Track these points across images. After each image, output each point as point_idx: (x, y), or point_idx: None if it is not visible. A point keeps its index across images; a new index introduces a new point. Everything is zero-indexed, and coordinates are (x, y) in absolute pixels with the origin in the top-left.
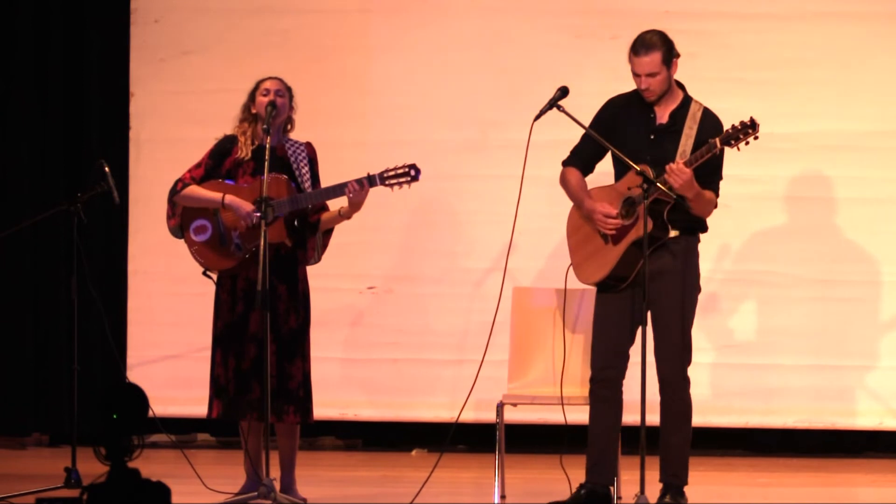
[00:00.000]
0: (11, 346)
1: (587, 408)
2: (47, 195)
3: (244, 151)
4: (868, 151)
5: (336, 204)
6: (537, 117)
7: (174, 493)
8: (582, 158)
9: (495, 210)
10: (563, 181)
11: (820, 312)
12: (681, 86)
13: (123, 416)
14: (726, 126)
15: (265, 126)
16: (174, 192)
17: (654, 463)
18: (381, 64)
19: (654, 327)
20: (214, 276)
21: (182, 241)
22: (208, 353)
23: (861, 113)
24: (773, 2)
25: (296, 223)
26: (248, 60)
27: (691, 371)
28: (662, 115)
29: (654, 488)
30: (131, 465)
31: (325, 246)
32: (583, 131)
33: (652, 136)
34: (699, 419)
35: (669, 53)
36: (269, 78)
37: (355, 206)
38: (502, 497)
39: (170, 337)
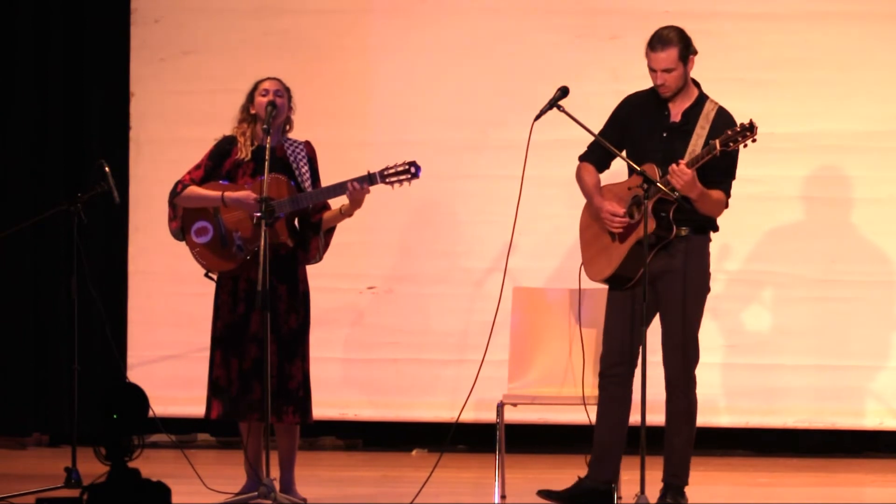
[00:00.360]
0: (11, 346)
1: (583, 407)
2: (47, 195)
3: (244, 152)
4: (868, 151)
5: (337, 202)
6: (537, 117)
7: (174, 493)
8: (597, 154)
9: (495, 210)
10: (578, 177)
11: (821, 312)
12: (697, 84)
13: (123, 416)
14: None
15: (265, 126)
16: (174, 194)
17: (657, 463)
18: (382, 64)
19: (662, 326)
20: (216, 278)
21: (183, 242)
22: (208, 354)
23: (861, 113)
24: (773, 2)
25: (296, 223)
26: (248, 60)
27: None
28: (676, 113)
29: (655, 488)
30: (131, 465)
31: (327, 245)
32: (598, 127)
33: (664, 134)
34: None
35: (686, 50)
36: (268, 78)
37: (356, 204)
38: (502, 497)
39: (170, 337)
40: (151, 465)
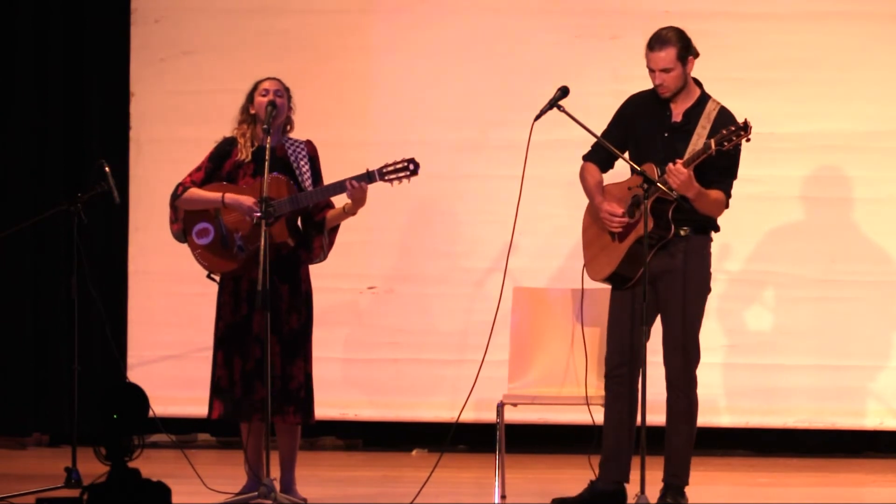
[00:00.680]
0: (11, 346)
1: (585, 408)
2: (47, 195)
3: (244, 153)
4: (868, 151)
5: (340, 201)
6: (537, 117)
7: (174, 494)
8: (601, 154)
9: (495, 210)
10: (581, 176)
11: (821, 312)
12: (699, 84)
13: (123, 416)
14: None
15: (265, 126)
16: (175, 196)
17: (657, 463)
18: (382, 64)
19: (662, 326)
20: (218, 279)
21: (184, 243)
22: (209, 353)
23: (861, 113)
24: (773, 2)
25: (299, 223)
26: (248, 60)
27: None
28: (678, 113)
29: (655, 488)
30: (131, 465)
31: (331, 244)
32: (598, 127)
33: (666, 134)
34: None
35: (685, 50)
36: (268, 78)
37: (358, 202)
38: (502, 497)
39: (170, 337)
40: (151, 465)
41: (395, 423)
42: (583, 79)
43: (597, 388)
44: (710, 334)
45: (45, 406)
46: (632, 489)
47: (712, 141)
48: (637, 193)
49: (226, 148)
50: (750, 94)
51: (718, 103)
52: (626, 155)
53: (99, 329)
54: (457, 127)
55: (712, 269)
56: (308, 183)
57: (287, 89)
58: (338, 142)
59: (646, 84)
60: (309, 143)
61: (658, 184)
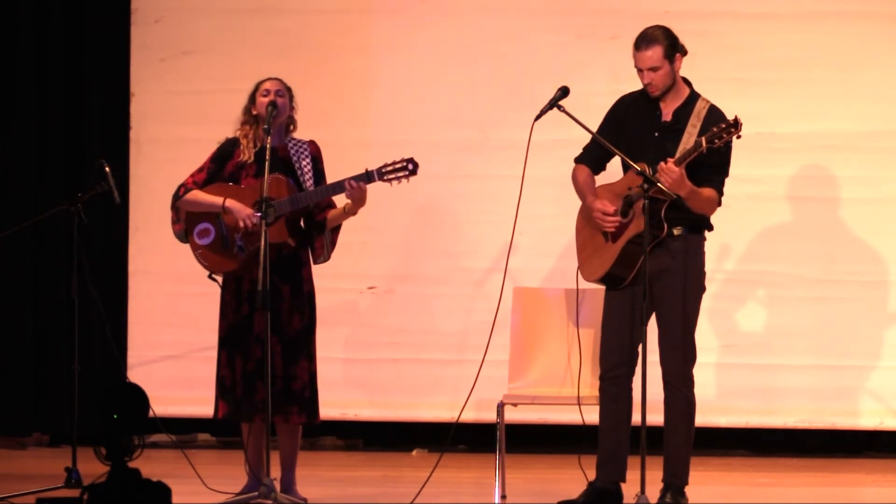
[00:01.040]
0: (11, 346)
1: (586, 407)
2: (47, 195)
3: (246, 154)
4: (868, 151)
5: (341, 201)
6: (538, 117)
7: (175, 494)
8: (592, 156)
9: (495, 210)
10: (573, 178)
11: (821, 312)
12: (688, 83)
13: (124, 416)
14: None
15: (266, 126)
16: (177, 197)
17: (657, 463)
18: (382, 64)
19: (658, 326)
20: (220, 280)
21: (186, 244)
22: (209, 353)
23: (861, 113)
24: (773, 2)
25: (302, 224)
26: (248, 60)
27: (694, 370)
28: (668, 112)
29: (655, 488)
30: (132, 465)
31: (333, 243)
32: (575, 131)
33: (656, 134)
34: (699, 419)
35: (672, 48)
36: (269, 79)
37: (357, 202)
38: (503, 497)
39: (170, 337)
40: (152, 465)
41: (395, 423)
42: (583, 79)
43: (591, 387)
44: (711, 334)
45: (45, 406)
46: (630, 489)
47: (703, 139)
48: (629, 193)
49: (228, 149)
50: (750, 94)
51: (708, 102)
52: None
53: (99, 329)
54: (457, 127)
55: (713, 269)
56: (309, 183)
57: (289, 89)
58: (338, 142)
59: None
60: (312, 144)
61: (659, 184)
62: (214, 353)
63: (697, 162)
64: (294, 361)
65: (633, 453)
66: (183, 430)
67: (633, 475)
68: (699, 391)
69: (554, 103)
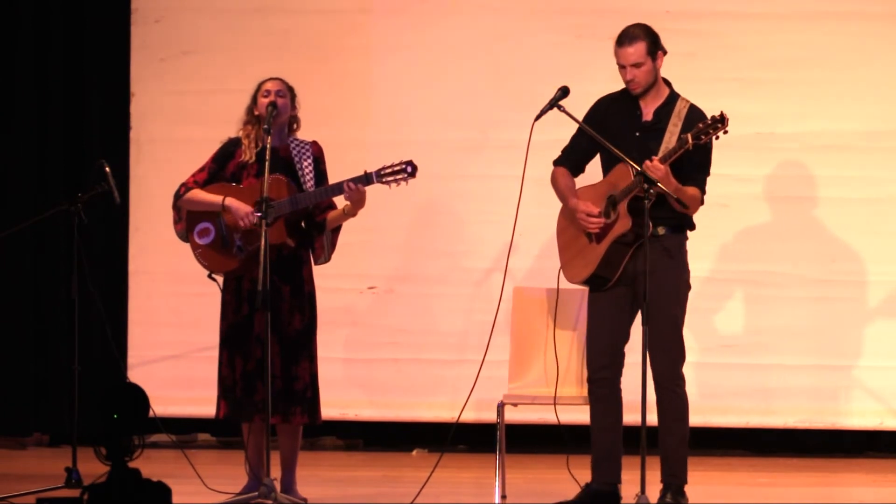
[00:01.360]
0: (12, 346)
1: (587, 407)
2: (47, 195)
3: (248, 154)
4: (868, 151)
5: (341, 202)
6: (538, 117)
7: (175, 494)
8: (572, 158)
9: (495, 210)
10: (553, 181)
11: (821, 312)
12: (668, 83)
13: (124, 416)
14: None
15: (265, 126)
16: (178, 196)
17: (657, 463)
18: (382, 64)
19: (645, 327)
20: (220, 279)
21: (187, 243)
22: (209, 353)
23: (861, 113)
24: (773, 2)
25: (303, 224)
26: (248, 60)
27: (693, 370)
28: (648, 112)
29: (655, 488)
30: (132, 465)
31: (333, 244)
32: (574, 131)
33: (637, 134)
34: (699, 419)
35: (654, 45)
36: (271, 79)
37: (356, 203)
38: (503, 497)
39: (170, 337)
40: (152, 465)
41: (395, 423)
42: (583, 79)
43: (580, 389)
44: (711, 334)
45: (46, 406)
46: (630, 489)
47: (689, 135)
48: (612, 193)
49: (230, 149)
50: (750, 94)
51: (688, 101)
52: (598, 157)
53: (99, 329)
54: (457, 127)
55: (711, 270)
56: (310, 184)
57: (291, 89)
58: (338, 142)
59: None
60: (315, 144)
61: (659, 184)
62: (214, 353)
63: (680, 160)
64: (295, 362)
65: (630, 453)
66: (183, 430)
67: (632, 475)
68: (699, 391)
69: (554, 103)
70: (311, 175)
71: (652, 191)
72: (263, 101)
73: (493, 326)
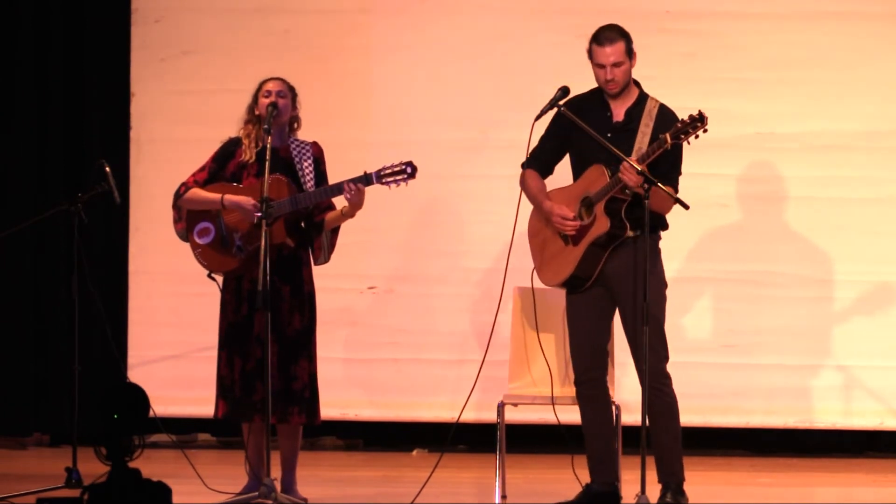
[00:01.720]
0: (12, 345)
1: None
2: (47, 195)
3: (248, 154)
4: (868, 151)
5: (340, 203)
6: (538, 117)
7: (175, 494)
8: (541, 160)
9: (495, 210)
10: (523, 184)
11: (821, 312)
12: (637, 83)
13: (124, 416)
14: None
15: (266, 126)
16: (177, 196)
17: (650, 463)
18: (382, 64)
19: (627, 327)
20: (219, 279)
21: (188, 243)
22: (209, 353)
23: (861, 113)
24: (773, 2)
25: (302, 224)
26: (249, 60)
27: (693, 370)
28: (619, 112)
29: (654, 488)
30: (132, 465)
31: (332, 245)
32: (544, 135)
33: (609, 135)
34: (699, 419)
35: (630, 46)
36: (272, 79)
37: (355, 204)
38: (503, 497)
39: (170, 337)
40: (152, 465)
41: (395, 423)
42: (583, 79)
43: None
44: (711, 334)
45: (46, 406)
46: (631, 489)
47: (668, 135)
48: (587, 195)
49: (230, 148)
50: (750, 94)
51: (658, 101)
52: (568, 159)
53: (99, 329)
54: (457, 127)
55: (711, 270)
56: (310, 184)
57: (292, 89)
58: (338, 142)
59: (649, 84)
60: (315, 145)
61: (660, 184)
62: (214, 353)
63: (655, 160)
64: (294, 362)
65: (630, 453)
66: (183, 430)
67: (632, 475)
68: (699, 391)
69: (554, 103)
70: (311, 175)
71: (627, 191)
72: (264, 101)
73: (493, 326)
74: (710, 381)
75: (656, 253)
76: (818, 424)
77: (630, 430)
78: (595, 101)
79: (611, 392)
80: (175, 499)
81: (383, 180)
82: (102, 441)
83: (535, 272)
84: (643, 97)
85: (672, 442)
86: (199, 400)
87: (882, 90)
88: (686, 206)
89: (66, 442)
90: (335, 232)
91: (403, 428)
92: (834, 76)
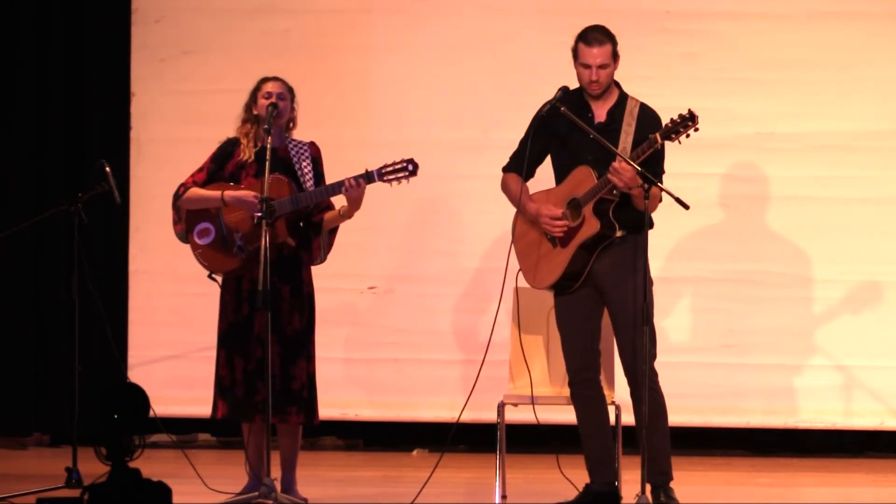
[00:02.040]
0: (12, 345)
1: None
2: (47, 195)
3: (247, 153)
4: (868, 151)
5: (339, 203)
6: (539, 117)
7: (175, 494)
8: (522, 164)
9: (495, 210)
10: (505, 187)
11: (821, 312)
12: (618, 84)
13: (124, 416)
14: (664, 120)
15: (266, 126)
16: (177, 196)
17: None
18: (382, 64)
19: (616, 326)
20: (220, 279)
21: (187, 244)
22: (209, 353)
23: (861, 113)
24: (773, 2)
25: (301, 224)
26: (249, 60)
27: (693, 370)
28: (600, 113)
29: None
30: (132, 465)
31: (330, 245)
32: (525, 137)
33: (591, 136)
34: (699, 419)
35: (616, 48)
36: (271, 80)
37: (354, 203)
38: (503, 497)
39: (170, 336)
40: (152, 465)
41: (395, 423)
42: None
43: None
44: (710, 334)
45: (46, 406)
46: (631, 489)
47: (657, 134)
48: (574, 196)
49: (228, 149)
50: (750, 94)
51: (638, 100)
52: (549, 160)
53: (99, 329)
54: (457, 127)
55: (711, 270)
56: (310, 184)
57: (291, 89)
58: (338, 142)
59: (649, 83)
60: (312, 145)
61: (660, 182)
62: (214, 353)
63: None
64: (293, 362)
65: (630, 453)
66: (183, 430)
67: (632, 475)
68: (699, 391)
69: (553, 103)
70: (311, 176)
71: (615, 191)
72: (264, 102)
73: (493, 326)
74: (709, 381)
75: (644, 251)
76: (818, 424)
77: (630, 430)
78: (575, 103)
79: (612, 392)
80: (175, 499)
81: (385, 178)
82: (102, 441)
83: (520, 275)
84: (624, 97)
85: (662, 441)
86: (199, 400)
87: (882, 90)
88: (686, 206)
89: (66, 442)
90: (333, 232)
91: (403, 428)
92: (834, 76)
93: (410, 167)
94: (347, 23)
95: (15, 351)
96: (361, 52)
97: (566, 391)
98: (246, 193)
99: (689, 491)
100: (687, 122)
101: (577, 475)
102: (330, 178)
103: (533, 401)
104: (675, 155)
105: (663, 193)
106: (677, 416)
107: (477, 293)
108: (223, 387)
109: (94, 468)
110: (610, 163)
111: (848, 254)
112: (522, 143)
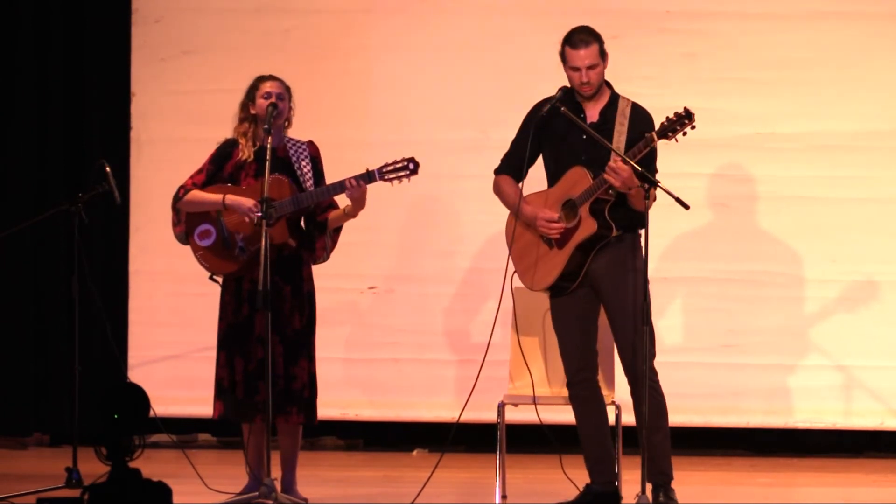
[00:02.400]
0: (12, 345)
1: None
2: (47, 195)
3: (246, 153)
4: (868, 151)
5: (342, 202)
6: (540, 117)
7: (175, 494)
8: (514, 165)
9: (496, 210)
10: (497, 189)
11: (821, 312)
12: (608, 84)
13: (124, 416)
14: (658, 119)
15: (266, 126)
16: (177, 198)
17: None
18: (382, 64)
19: (615, 326)
20: (220, 280)
21: (187, 245)
22: (209, 353)
23: (861, 113)
24: (773, 2)
25: (303, 224)
26: (249, 60)
27: (693, 370)
28: (592, 114)
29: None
30: (132, 465)
31: (334, 244)
32: (519, 139)
33: (584, 136)
34: (699, 419)
35: (603, 46)
36: (269, 79)
37: (357, 202)
38: (503, 497)
39: (171, 336)
40: (152, 465)
41: (395, 423)
42: None
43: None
44: (710, 334)
45: (46, 406)
46: (631, 489)
47: (654, 133)
48: (569, 198)
49: (227, 149)
50: (750, 94)
51: (629, 100)
52: (541, 161)
53: (99, 329)
54: (457, 127)
55: (711, 270)
56: (309, 184)
57: (288, 88)
58: (338, 142)
59: (649, 83)
60: (311, 144)
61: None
62: (214, 354)
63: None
64: (294, 362)
65: (630, 453)
66: (183, 430)
67: (632, 475)
68: (700, 391)
69: (554, 103)
70: (310, 175)
71: (611, 191)
72: (263, 102)
73: (493, 326)
74: (709, 381)
75: (639, 251)
76: (818, 424)
77: (630, 430)
78: (566, 104)
79: (611, 392)
80: (175, 499)
81: (385, 177)
82: (103, 441)
83: (515, 276)
84: (615, 97)
85: (663, 440)
86: (199, 400)
87: (882, 90)
88: (686, 206)
89: (67, 442)
90: (337, 231)
91: (403, 428)
92: (834, 76)
93: (411, 166)
94: (347, 23)
95: (15, 351)
96: (361, 52)
97: (565, 392)
98: (245, 200)
99: (689, 491)
100: (683, 120)
101: (578, 475)
102: (330, 179)
103: (535, 401)
104: (676, 155)
105: (659, 192)
106: (677, 416)
107: (477, 293)
108: (222, 388)
109: (94, 468)
110: (604, 163)
111: (848, 254)
112: (515, 143)
